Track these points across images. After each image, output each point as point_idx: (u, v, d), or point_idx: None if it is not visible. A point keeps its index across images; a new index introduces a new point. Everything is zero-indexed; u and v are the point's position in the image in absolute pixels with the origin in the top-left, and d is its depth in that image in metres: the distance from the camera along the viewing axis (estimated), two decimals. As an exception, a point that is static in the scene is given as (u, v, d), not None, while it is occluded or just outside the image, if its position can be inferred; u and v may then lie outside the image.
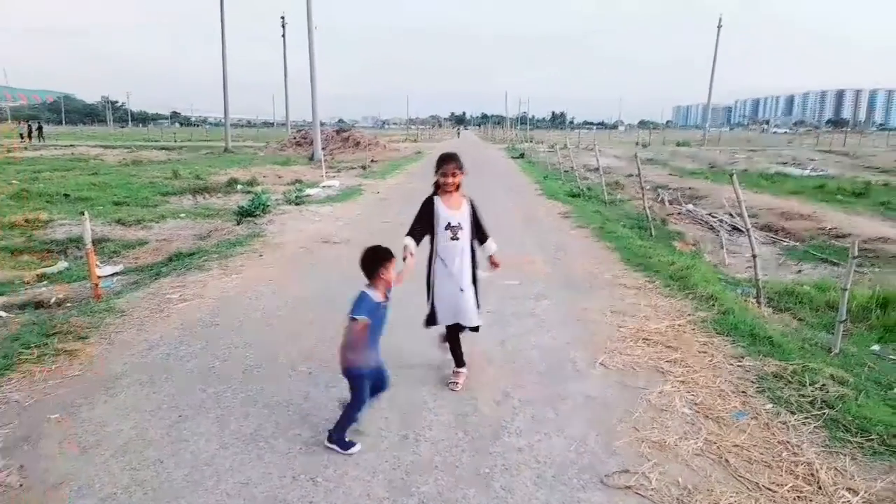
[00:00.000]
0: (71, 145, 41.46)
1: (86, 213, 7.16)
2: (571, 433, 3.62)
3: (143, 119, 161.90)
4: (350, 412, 3.44)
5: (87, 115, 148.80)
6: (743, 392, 4.22)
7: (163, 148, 40.15)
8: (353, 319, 3.25)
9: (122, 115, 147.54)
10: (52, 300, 7.18)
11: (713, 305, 6.13)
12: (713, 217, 15.23)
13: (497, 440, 3.53)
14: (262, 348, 4.90)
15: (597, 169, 26.14)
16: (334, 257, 8.28)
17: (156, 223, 12.30)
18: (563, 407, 3.95)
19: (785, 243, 12.64)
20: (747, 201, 17.28)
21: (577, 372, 4.53)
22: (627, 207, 15.32)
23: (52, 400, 3.99)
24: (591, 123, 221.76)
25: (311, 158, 26.88)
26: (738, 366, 4.68)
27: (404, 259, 3.78)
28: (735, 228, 14.15)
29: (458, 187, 4.15)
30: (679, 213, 15.91)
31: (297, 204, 13.01)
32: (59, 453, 3.36)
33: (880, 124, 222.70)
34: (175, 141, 52.42)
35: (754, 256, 7.11)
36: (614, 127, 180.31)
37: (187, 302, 6.19)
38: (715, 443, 3.53)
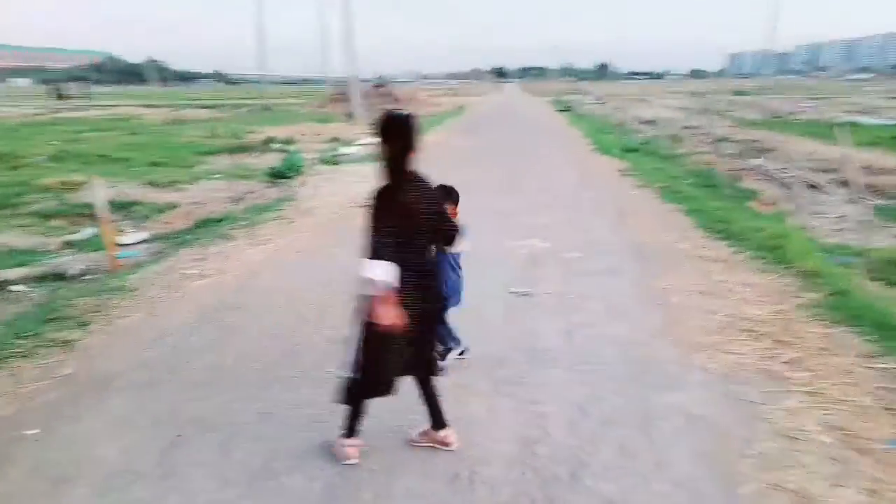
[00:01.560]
0: (114, 105, 41.51)
1: (96, 179, 6.49)
2: (676, 474, 2.73)
3: (185, 78, 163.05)
4: None
5: (130, 75, 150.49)
6: (892, 409, 3.25)
7: (204, 107, 39.79)
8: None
9: (165, 75, 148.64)
10: (72, 271, 6.61)
11: (821, 284, 5.08)
12: (786, 173, 13.79)
13: (577, 484, 2.67)
14: (283, 340, 4.14)
15: (650, 121, 24.63)
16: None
17: (189, 185, 11.72)
18: (658, 432, 3.06)
19: (874, 202, 11.23)
20: (819, 153, 15.86)
21: (669, 377, 3.61)
22: (689, 163, 14.00)
23: (34, 409, 3.31)
24: (638, 73, 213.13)
25: (350, 115, 25.99)
26: (875, 369, 3.69)
27: None
28: (812, 185, 12.75)
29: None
30: (746, 169, 14.50)
31: (332, 164, 12.20)
32: (23, 489, 2.66)
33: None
34: (216, 99, 52.09)
35: (867, 224, 5.97)
36: (662, 77, 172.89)
37: (206, 279, 5.47)
38: (878, 492, 2.60)
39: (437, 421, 2.93)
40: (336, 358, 3.65)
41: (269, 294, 5.03)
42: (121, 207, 9.89)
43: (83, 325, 4.40)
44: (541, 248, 6.28)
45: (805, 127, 22.69)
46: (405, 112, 2.71)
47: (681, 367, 3.74)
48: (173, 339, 4.20)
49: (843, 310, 4.52)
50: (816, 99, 39.45)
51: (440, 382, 2.92)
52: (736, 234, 6.67)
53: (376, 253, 2.47)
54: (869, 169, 13.70)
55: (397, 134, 2.60)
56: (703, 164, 13.63)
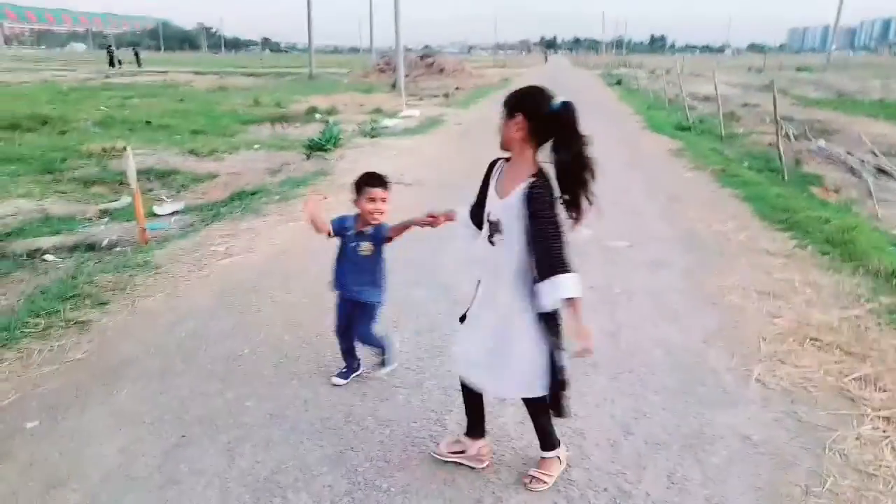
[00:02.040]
0: (164, 71, 42.04)
1: (128, 148, 6.36)
2: (732, 514, 2.38)
3: (235, 45, 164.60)
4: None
5: (183, 41, 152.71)
6: None
7: (250, 74, 39.93)
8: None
9: (216, 42, 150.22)
10: (105, 242, 6.54)
11: (897, 286, 4.57)
12: (852, 156, 12.85)
13: (618, 519, 2.36)
14: (305, 330, 3.90)
15: (706, 98, 23.46)
16: (404, 204, 7.14)
17: (229, 154, 11.63)
18: (711, 458, 2.70)
19: (952, 191, 10.34)
20: (890, 137, 14.74)
21: (724, 392, 3.23)
22: (747, 143, 13.21)
23: (38, 397, 3.16)
24: (695, 47, 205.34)
25: (394, 86, 25.60)
26: (964, 392, 3.23)
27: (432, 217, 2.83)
28: (881, 170, 11.85)
29: (507, 144, 2.27)
30: (809, 151, 13.59)
31: (371, 137, 11.91)
32: (12, 491, 2.49)
33: None
34: (262, 67, 52.31)
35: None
36: (721, 50, 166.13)
37: (233, 258, 5.28)
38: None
39: (477, 428, 2.63)
40: (361, 354, 3.41)
41: (295, 277, 4.80)
42: (160, 176, 9.86)
43: (102, 304, 4.25)
44: (584, 235, 5.86)
45: (875, 107, 21.30)
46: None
47: (737, 379, 3.35)
48: (192, 323, 4.01)
49: (925, 318, 4.03)
50: (889, 77, 37.12)
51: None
52: (799, 225, 6.13)
53: (568, 263, 2.16)
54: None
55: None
56: (763, 145, 12.84)
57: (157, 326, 3.96)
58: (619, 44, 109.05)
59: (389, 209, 3.05)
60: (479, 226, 2.40)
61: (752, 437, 2.84)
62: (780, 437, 2.85)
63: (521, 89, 2.28)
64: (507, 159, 2.32)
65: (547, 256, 2.15)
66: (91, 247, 6.41)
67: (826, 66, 48.02)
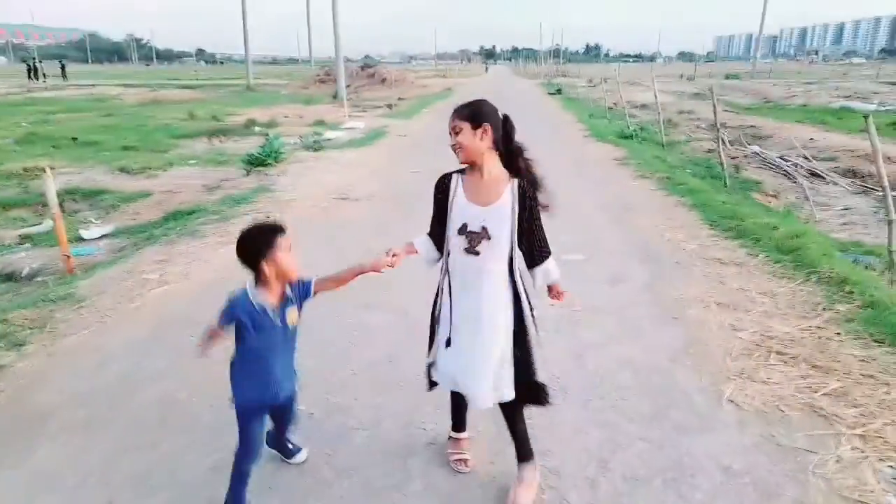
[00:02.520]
0: (92, 85, 40.22)
1: (48, 169, 5.84)
2: (724, 557, 2.22)
3: (167, 57, 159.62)
4: (237, 463, 2.40)
5: (112, 53, 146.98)
6: (962, 459, 2.76)
7: (184, 87, 38.62)
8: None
9: (147, 53, 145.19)
10: (25, 271, 6.00)
11: (850, 293, 4.59)
12: (786, 161, 13.30)
13: (604, 572, 2.16)
14: (249, 366, 3.57)
15: (644, 105, 24.05)
16: (352, 219, 6.88)
17: (163, 171, 11.07)
18: (695, 494, 2.54)
19: (879, 192, 10.80)
20: (818, 140, 15.37)
21: (698, 415, 3.10)
22: (687, 150, 13.51)
23: (-62, 462, 2.74)
24: (628, 56, 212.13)
25: (335, 97, 25.18)
26: (930, 402, 3.21)
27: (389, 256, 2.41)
28: (813, 174, 12.29)
29: (468, 155, 2.33)
30: (745, 157, 14.00)
31: (314, 150, 11.54)
32: None
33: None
34: (197, 79, 50.76)
35: (891, 222, 5.50)
36: (652, 59, 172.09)
37: (167, 286, 4.88)
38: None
39: (463, 423, 2.79)
40: (302, 397, 3.11)
41: (236, 305, 4.45)
42: (88, 196, 9.26)
43: (17, 345, 3.81)
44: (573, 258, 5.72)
45: (800, 112, 22.28)
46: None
47: (709, 400, 3.23)
48: (121, 364, 3.62)
49: (881, 325, 4.03)
50: (809, 83, 39.14)
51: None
52: (748, 232, 6.16)
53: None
54: (870, 157, 13.31)
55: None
56: (702, 151, 13.15)
57: (80, 370, 3.55)
58: (556, 53, 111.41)
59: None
60: (441, 247, 2.46)
61: (732, 467, 2.70)
62: (760, 464, 2.73)
63: (475, 102, 2.38)
64: (464, 171, 2.40)
65: (542, 243, 2.46)
66: (9, 276, 5.88)
67: (752, 73, 50.28)
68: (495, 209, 2.31)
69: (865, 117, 5.50)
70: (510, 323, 2.39)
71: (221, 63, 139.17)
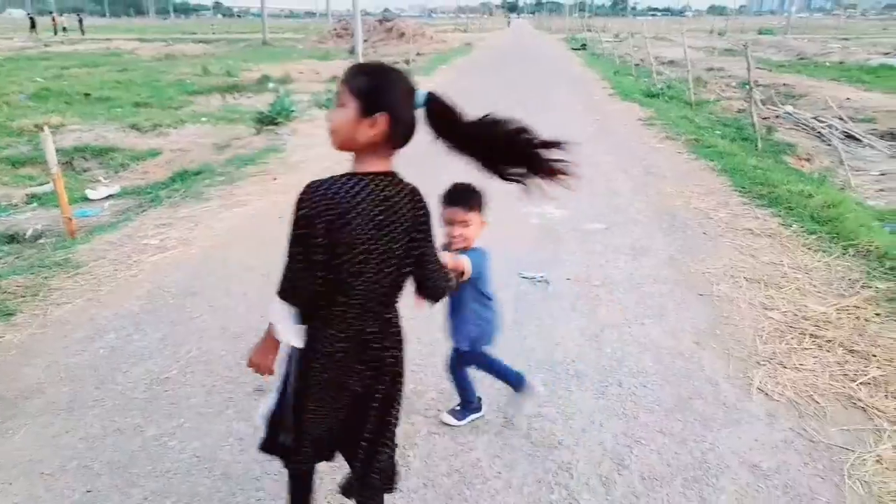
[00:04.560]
0: (108, 39, 39.81)
1: (46, 128, 5.64)
2: (751, 575, 2.00)
3: (184, 10, 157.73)
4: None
5: (129, 6, 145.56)
6: None
7: (200, 41, 38.07)
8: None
9: (164, 6, 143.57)
10: (29, 232, 5.86)
11: (892, 269, 4.26)
12: (820, 122, 12.66)
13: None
14: (246, 342, 3.37)
15: (672, 62, 23.11)
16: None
17: (174, 129, 10.84)
18: (720, 497, 2.31)
19: (921, 157, 10.21)
20: (855, 101, 14.63)
21: (724, 406, 2.85)
22: (717, 110, 12.90)
23: (-86, 442, 2.60)
24: (656, 9, 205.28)
25: (352, 52, 24.54)
26: (981, 395, 2.92)
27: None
28: (849, 136, 11.68)
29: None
30: (777, 117, 13.36)
31: (328, 108, 11.19)
32: None
33: None
34: (213, 33, 50.04)
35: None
36: (681, 13, 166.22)
37: (167, 252, 4.69)
38: None
39: None
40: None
41: (237, 276, 4.25)
42: (97, 154, 9.09)
43: (8, 315, 3.66)
44: (557, 216, 5.43)
45: (836, 70, 21.26)
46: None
47: (736, 389, 2.97)
48: (113, 337, 3.45)
49: (925, 306, 3.72)
50: (846, 39, 37.44)
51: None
52: (781, 200, 5.79)
53: None
54: (911, 118, 12.59)
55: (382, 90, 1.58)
56: (733, 111, 12.55)
57: (70, 343, 3.39)
58: (581, 6, 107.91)
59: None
60: None
61: (761, 466, 2.46)
62: (791, 463, 2.49)
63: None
64: None
65: None
66: (13, 238, 5.74)
67: (786, 28, 48.20)
68: None
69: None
70: None
71: (239, 16, 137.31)
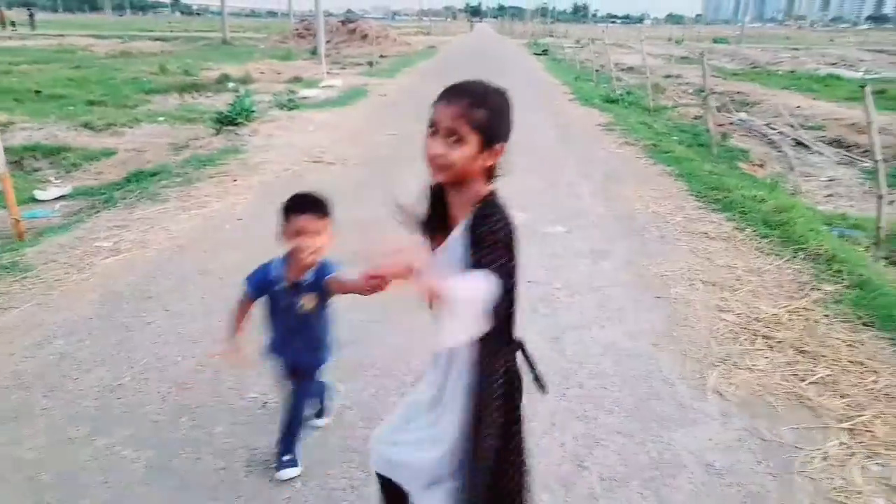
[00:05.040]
0: (61, 35, 38.52)
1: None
2: (706, 571, 2.05)
3: (142, 7, 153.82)
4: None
5: (84, 2, 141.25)
6: (956, 457, 2.61)
7: (157, 39, 37.22)
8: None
9: (121, 3, 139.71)
10: (-27, 236, 5.62)
11: (838, 272, 4.42)
12: (772, 129, 13.08)
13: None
14: (203, 347, 3.31)
15: (631, 68, 23.58)
16: (326, 186, 6.51)
17: (129, 128, 10.58)
18: (675, 496, 2.36)
19: (866, 164, 10.64)
20: (805, 109, 15.17)
21: (681, 406, 2.92)
22: (674, 116, 13.22)
23: None
24: (616, 17, 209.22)
25: (314, 53, 24.32)
26: (921, 392, 3.06)
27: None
28: (799, 143, 12.11)
29: (458, 177, 1.48)
30: (732, 124, 13.76)
31: (289, 109, 11.07)
32: None
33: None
34: (171, 31, 48.94)
35: (881, 197, 5.32)
36: (640, 20, 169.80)
37: (121, 255, 4.56)
38: None
39: None
40: (255, 384, 2.88)
41: (194, 280, 4.16)
42: (48, 153, 8.80)
43: (-50, 321, 3.51)
44: (518, 219, 5.44)
45: (787, 79, 22.00)
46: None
47: (692, 390, 3.05)
48: (62, 342, 3.34)
49: (869, 307, 3.88)
50: (796, 49, 38.81)
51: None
52: (735, 205, 5.96)
53: None
54: (857, 126, 13.11)
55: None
56: (689, 118, 12.88)
57: (17, 349, 3.27)
58: (543, 12, 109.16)
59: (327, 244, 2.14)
60: None
61: (715, 465, 2.53)
62: (744, 461, 2.56)
63: (492, 93, 1.50)
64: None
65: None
66: (-44, 242, 5.50)
67: (740, 37, 49.69)
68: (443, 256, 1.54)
69: (863, 87, 5.27)
70: None
71: (198, 14, 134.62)
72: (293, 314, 2.20)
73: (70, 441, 2.58)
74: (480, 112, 1.41)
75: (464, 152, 1.41)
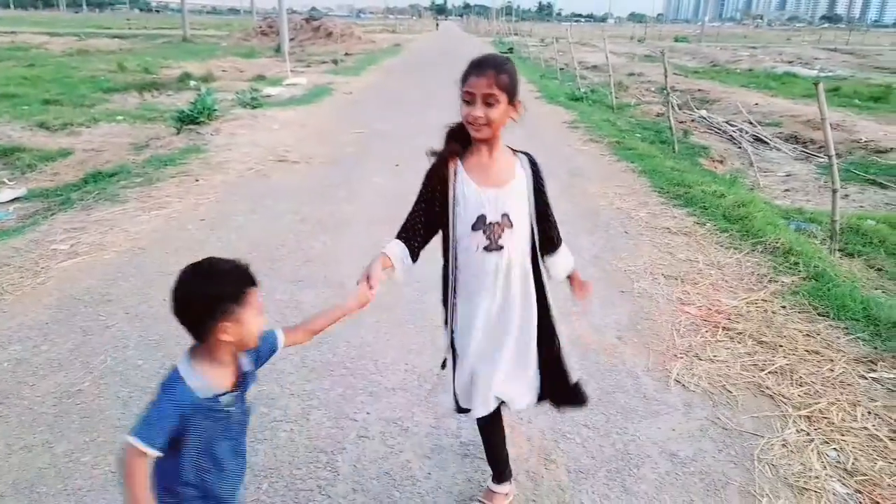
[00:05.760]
0: (13, 32, 37.26)
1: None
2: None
3: (98, 4, 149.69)
4: None
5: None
6: (904, 438, 2.72)
7: (115, 36, 36.30)
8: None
9: (77, 0, 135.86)
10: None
11: (795, 264, 4.56)
12: (732, 126, 13.39)
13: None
14: (164, 349, 3.25)
15: (594, 67, 23.88)
16: (291, 185, 6.47)
17: (87, 128, 10.30)
18: (640, 485, 2.41)
19: (821, 159, 10.97)
20: (763, 106, 15.57)
21: (645, 398, 2.97)
22: (637, 114, 13.43)
23: None
24: (580, 16, 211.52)
25: (278, 50, 24.01)
26: (872, 379, 3.17)
27: (366, 284, 1.79)
28: (758, 139, 12.43)
29: (494, 131, 1.85)
30: (693, 121, 14.05)
31: (252, 107, 10.90)
32: None
33: (874, 20, 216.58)
34: (129, 29, 47.79)
35: (835, 191, 5.48)
36: (603, 19, 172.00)
37: (79, 257, 4.44)
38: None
39: (506, 470, 2.32)
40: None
41: (155, 282, 4.06)
42: (1, 154, 8.52)
43: None
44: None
45: (745, 77, 22.56)
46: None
47: (656, 381, 3.10)
48: (18, 348, 3.24)
49: (824, 298, 4.00)
50: (754, 48, 39.80)
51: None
52: (696, 200, 6.09)
53: None
54: (812, 123, 13.50)
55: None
56: (652, 115, 13.10)
57: (-31, 356, 3.16)
58: (508, 10, 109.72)
59: None
60: (416, 251, 1.99)
61: (679, 454, 2.58)
62: (707, 450, 2.62)
63: (509, 64, 1.88)
64: (455, 149, 1.94)
65: (555, 227, 2.12)
66: None
67: (700, 36, 50.76)
68: (512, 190, 1.91)
69: (816, 84, 5.42)
70: (534, 320, 2.04)
71: (157, 11, 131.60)
72: (233, 419, 1.55)
73: (27, 449, 2.51)
74: (504, 77, 1.80)
75: (499, 110, 1.81)
